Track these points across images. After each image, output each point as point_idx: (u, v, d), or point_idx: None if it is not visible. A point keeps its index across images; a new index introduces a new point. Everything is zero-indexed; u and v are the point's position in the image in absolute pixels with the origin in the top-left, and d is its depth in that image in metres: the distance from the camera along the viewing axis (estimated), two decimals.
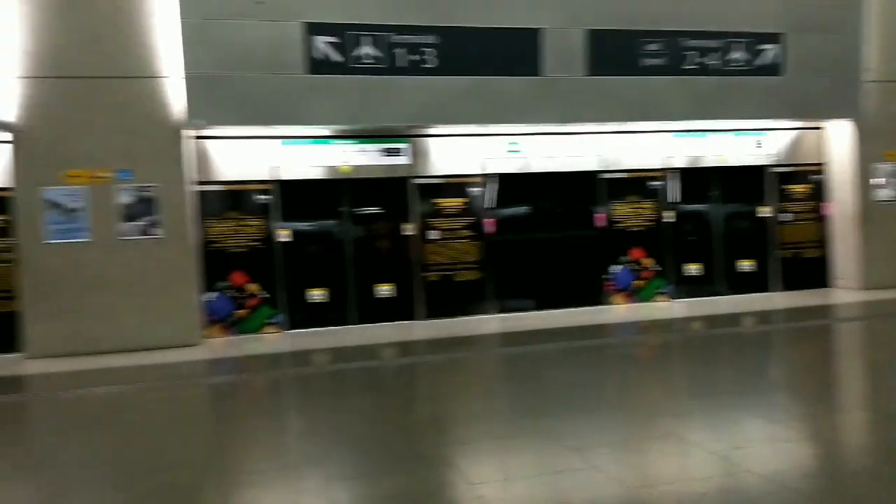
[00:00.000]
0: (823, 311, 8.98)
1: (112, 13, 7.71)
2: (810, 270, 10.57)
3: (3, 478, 4.04)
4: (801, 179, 10.60)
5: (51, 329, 7.60)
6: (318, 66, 8.20)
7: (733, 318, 8.72)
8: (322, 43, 8.21)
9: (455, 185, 9.35)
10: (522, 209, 9.67)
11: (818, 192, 10.63)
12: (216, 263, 8.57)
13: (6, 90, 7.50)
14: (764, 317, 8.90)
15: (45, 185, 7.60)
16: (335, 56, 8.25)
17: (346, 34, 8.26)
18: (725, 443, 3.87)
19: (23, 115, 7.56)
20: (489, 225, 9.44)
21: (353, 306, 9.09)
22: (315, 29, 8.18)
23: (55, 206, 7.62)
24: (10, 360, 7.60)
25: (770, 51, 9.61)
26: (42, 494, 3.75)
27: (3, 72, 7.47)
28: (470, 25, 8.60)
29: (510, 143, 9.52)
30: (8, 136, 7.57)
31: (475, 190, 9.40)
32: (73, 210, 7.65)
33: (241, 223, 8.68)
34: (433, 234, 9.26)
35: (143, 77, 7.81)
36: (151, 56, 7.83)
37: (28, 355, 7.57)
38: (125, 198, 7.81)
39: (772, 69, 9.64)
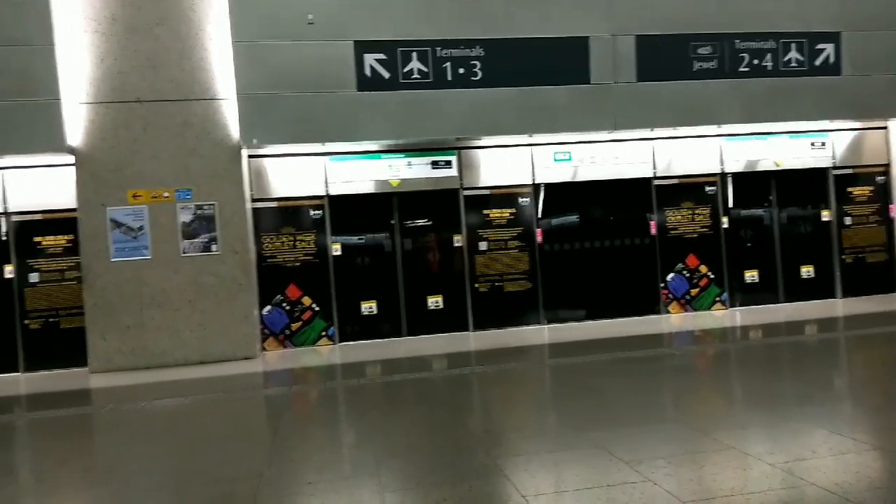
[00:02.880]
0: (889, 317, 8.62)
1: (171, 39, 8.01)
2: (874, 275, 10.20)
3: (70, 485, 4.21)
4: (863, 181, 10.25)
5: (114, 344, 7.89)
6: (368, 82, 8.35)
7: (794, 326, 8.47)
8: (372, 60, 8.36)
9: (504, 196, 9.36)
10: (573, 218, 9.61)
11: (882, 194, 10.26)
12: (271, 278, 8.78)
13: (72, 116, 7.86)
14: (826, 324, 8.60)
15: (109, 206, 7.92)
16: (384, 73, 8.39)
17: (394, 51, 8.38)
18: (787, 455, 3.76)
19: (87, 139, 7.91)
20: (539, 234, 9.41)
21: (405, 318, 9.17)
22: (365, 47, 8.33)
23: (118, 225, 7.93)
24: (75, 374, 7.92)
25: (827, 50, 9.35)
26: (106, 501, 3.89)
27: (69, 98, 7.84)
28: (516, 36, 8.63)
29: (560, 152, 9.48)
30: (73, 159, 7.92)
31: (524, 200, 9.38)
32: (135, 229, 7.95)
33: (295, 238, 8.87)
34: (483, 245, 9.28)
35: (201, 99, 8.08)
36: (209, 79, 8.09)
37: (92, 369, 7.87)
38: (185, 216, 8.07)
39: (829, 69, 9.38)
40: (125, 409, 6.20)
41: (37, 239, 8.37)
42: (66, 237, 8.36)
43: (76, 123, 7.89)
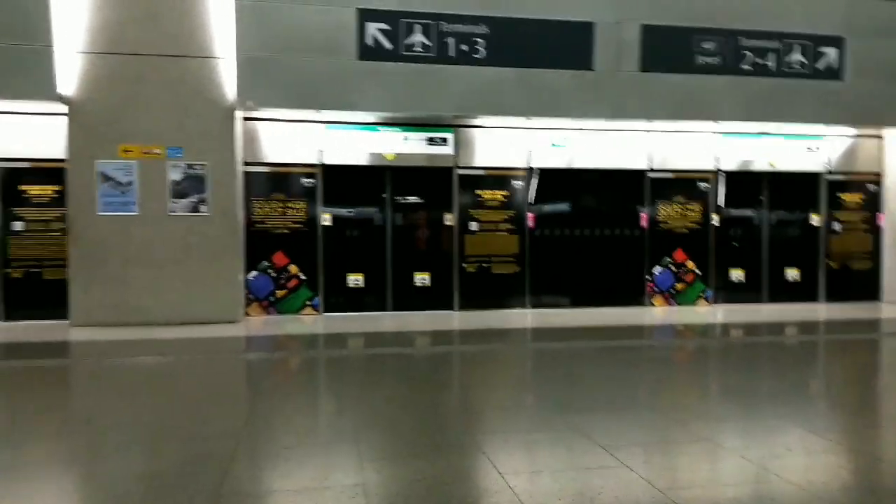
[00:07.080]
0: (868, 324, 8.71)
1: None
2: (858, 283, 10.30)
3: (47, 437, 4.18)
4: (855, 188, 10.31)
5: (96, 298, 7.83)
6: (370, 52, 8.26)
7: (775, 327, 8.53)
8: (374, 29, 8.25)
9: (498, 178, 9.32)
10: (565, 205, 9.60)
11: (872, 202, 10.32)
12: (259, 243, 8.72)
13: (66, 64, 7.71)
14: (806, 327, 8.68)
15: (99, 159, 7.81)
16: (387, 43, 8.29)
17: (398, 21, 8.28)
18: (762, 450, 3.79)
19: (80, 89, 7.77)
20: (530, 219, 9.39)
21: (391, 293, 9.15)
22: (368, 15, 8.23)
23: (107, 179, 7.83)
24: (56, 327, 7.85)
25: (830, 54, 9.35)
26: (81, 454, 3.86)
27: (64, 47, 7.68)
28: (522, 17, 8.55)
29: (556, 138, 9.44)
30: (65, 108, 7.79)
31: (518, 183, 9.36)
32: (124, 184, 7.85)
33: (285, 205, 8.80)
34: (474, 226, 9.26)
35: (197, 56, 7.95)
36: (207, 36, 7.96)
37: (73, 322, 7.80)
38: (175, 174, 7.98)
39: (831, 73, 9.38)
40: (104, 364, 6.16)
41: (23, 187, 8.25)
42: (53, 187, 8.25)
43: (70, 73, 7.74)
